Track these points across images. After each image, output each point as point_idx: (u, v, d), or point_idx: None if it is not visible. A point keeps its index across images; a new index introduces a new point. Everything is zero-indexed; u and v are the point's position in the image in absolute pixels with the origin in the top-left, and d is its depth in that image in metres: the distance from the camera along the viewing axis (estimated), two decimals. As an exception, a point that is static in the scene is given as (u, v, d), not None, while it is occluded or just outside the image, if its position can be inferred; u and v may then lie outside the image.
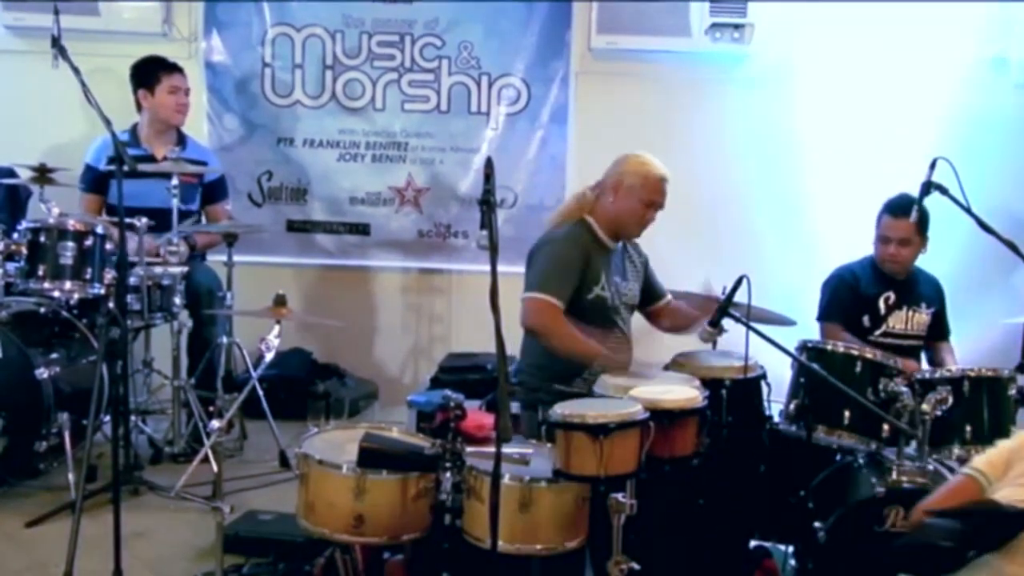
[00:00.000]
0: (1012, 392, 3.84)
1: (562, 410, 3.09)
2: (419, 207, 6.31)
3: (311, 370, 6.07)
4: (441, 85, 6.21)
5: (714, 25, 5.92)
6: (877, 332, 4.61)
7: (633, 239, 4.24)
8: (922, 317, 4.67)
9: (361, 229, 6.33)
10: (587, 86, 6.20)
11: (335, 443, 3.34)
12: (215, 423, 3.64)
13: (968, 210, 3.95)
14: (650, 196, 4.02)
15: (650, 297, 4.37)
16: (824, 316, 4.73)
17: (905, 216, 4.30)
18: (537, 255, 4.01)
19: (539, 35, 6.15)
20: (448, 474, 3.02)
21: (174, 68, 5.36)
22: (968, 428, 3.73)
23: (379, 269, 6.41)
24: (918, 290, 4.68)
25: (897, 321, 4.63)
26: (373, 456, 3.02)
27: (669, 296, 4.42)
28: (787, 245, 6.09)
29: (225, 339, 5.17)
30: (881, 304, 4.62)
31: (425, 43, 6.18)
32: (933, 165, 3.97)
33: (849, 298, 4.65)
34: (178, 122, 5.40)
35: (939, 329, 4.76)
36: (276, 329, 4.38)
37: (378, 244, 6.35)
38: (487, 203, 2.82)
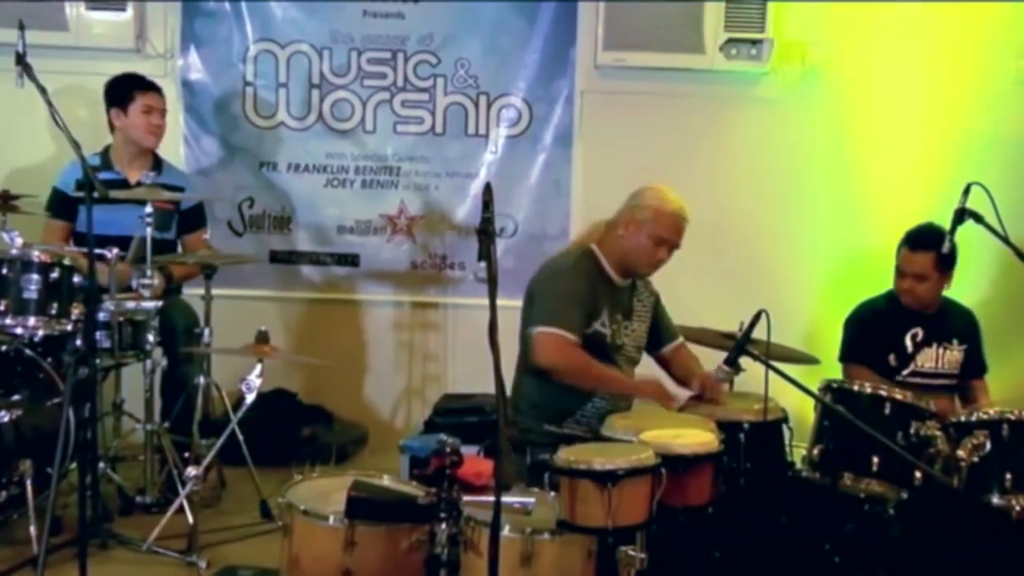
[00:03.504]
0: (1056, 436, 3.84)
1: (567, 456, 3.09)
2: (412, 236, 6.33)
3: (295, 413, 6.05)
4: (436, 105, 6.24)
5: (730, 41, 5.94)
6: (905, 372, 4.61)
7: (643, 277, 4.24)
8: (954, 354, 4.67)
9: (350, 260, 6.34)
10: (593, 106, 6.22)
11: (321, 492, 3.34)
12: (191, 470, 3.65)
13: (1005, 239, 3.97)
14: (661, 232, 4.01)
15: (659, 339, 4.38)
16: (847, 357, 4.73)
17: (924, 250, 4.33)
18: (541, 286, 4.03)
19: (541, 52, 6.19)
20: (443, 525, 3.01)
21: (150, 87, 5.39)
22: (1008, 476, 3.73)
23: (369, 303, 6.41)
24: (949, 325, 4.68)
25: (926, 359, 4.63)
26: (362, 506, 3.02)
27: (681, 339, 4.42)
28: (810, 277, 6.10)
29: (202, 379, 5.14)
30: (908, 341, 4.62)
31: (419, 60, 6.22)
32: (967, 191, 3.99)
33: (873, 336, 4.65)
34: (151, 144, 5.41)
35: (973, 366, 4.76)
36: (258, 368, 4.38)
37: (368, 276, 6.35)
38: (485, 232, 2.84)
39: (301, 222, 6.31)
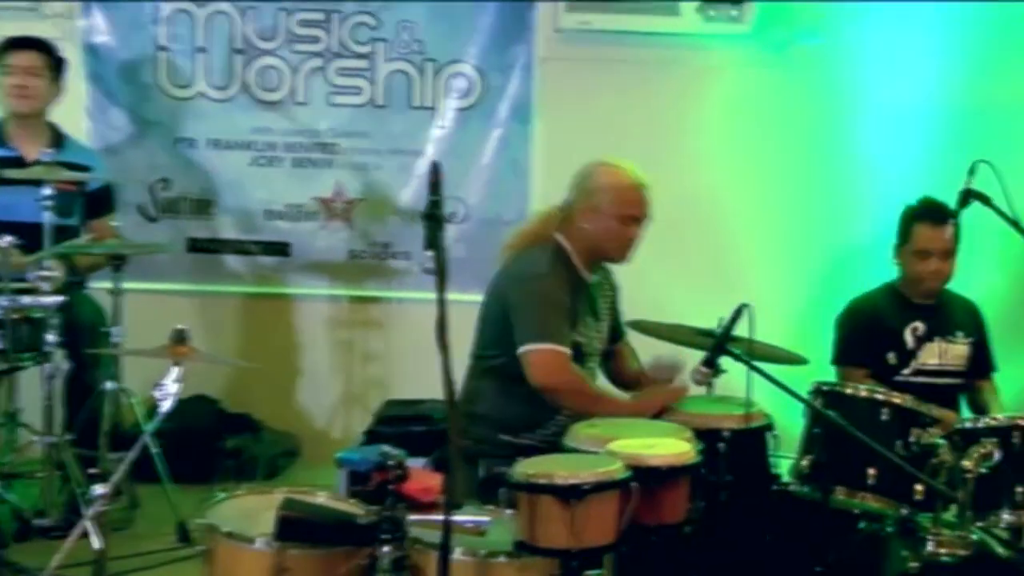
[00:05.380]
0: (1073, 444, 3.88)
1: (526, 469, 3.10)
2: (350, 222, 6.31)
3: (218, 422, 6.03)
4: (376, 74, 6.23)
5: (707, 1, 5.96)
6: (906, 371, 4.66)
7: (621, 263, 4.25)
8: (959, 348, 4.72)
9: (279, 249, 6.32)
10: (555, 75, 6.23)
11: (248, 511, 3.32)
12: (98, 489, 3.61)
13: (1016, 224, 4.00)
14: (627, 210, 4.04)
15: (612, 337, 4.42)
16: (842, 359, 4.76)
17: (946, 223, 4.37)
18: (522, 294, 4.02)
19: (496, 14, 6.19)
20: (387, 548, 3.01)
21: (21, 44, 5.31)
22: (1020, 489, 3.76)
23: (302, 298, 6.40)
24: (951, 316, 4.73)
25: (930, 355, 4.67)
26: (294, 527, 3.01)
27: (625, 340, 4.48)
28: (798, 268, 6.13)
29: (111, 385, 5.12)
30: (908, 336, 4.66)
31: (356, 22, 6.21)
32: (973, 169, 4.03)
33: (870, 334, 4.69)
34: (20, 109, 5.32)
35: (981, 363, 4.81)
36: (175, 372, 4.34)
37: (300, 267, 6.34)
38: (433, 217, 2.84)
39: (223, 206, 6.28)
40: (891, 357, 4.65)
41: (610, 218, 4.04)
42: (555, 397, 3.96)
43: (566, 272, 4.08)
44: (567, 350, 3.95)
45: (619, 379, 4.45)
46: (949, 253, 4.60)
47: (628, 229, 4.07)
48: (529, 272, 4.08)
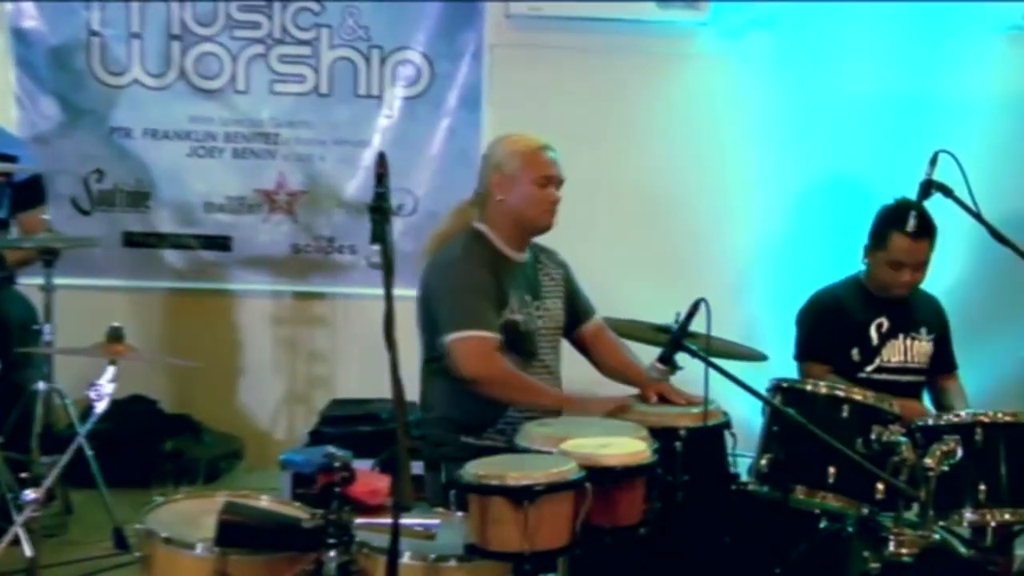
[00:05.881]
0: (1035, 441, 3.92)
1: (476, 469, 3.09)
2: (293, 215, 6.29)
3: (156, 424, 6.01)
4: (320, 61, 6.22)
5: (664, -13, 6.00)
6: (870, 368, 4.67)
7: (547, 229, 4.24)
8: (923, 345, 4.75)
9: (220, 243, 6.29)
10: (505, 63, 6.24)
11: (187, 516, 3.31)
12: (29, 494, 3.58)
13: (978, 216, 4.04)
14: (539, 171, 4.07)
15: (576, 317, 4.40)
16: (805, 355, 4.76)
17: (926, 237, 4.39)
18: (437, 286, 4.02)
19: (444, -1, 6.20)
20: (333, 553, 3.00)
21: None
22: (982, 487, 3.80)
23: (243, 293, 6.37)
24: (915, 312, 4.75)
25: (893, 352, 4.69)
26: (236, 532, 2.99)
27: (598, 318, 4.45)
28: (756, 262, 6.17)
29: (42, 385, 5.08)
30: (873, 333, 4.68)
31: (299, 8, 6.19)
32: (934, 160, 4.06)
33: (834, 330, 4.68)
34: None
35: (943, 360, 4.84)
36: (110, 372, 4.32)
37: (242, 262, 6.31)
38: (380, 210, 2.83)
39: (161, 199, 6.25)
40: (855, 354, 4.66)
41: (525, 183, 4.06)
42: (482, 388, 3.93)
43: (487, 254, 4.08)
44: (493, 335, 3.92)
45: (606, 369, 4.42)
46: (924, 264, 4.60)
47: (545, 192, 4.08)
48: (442, 260, 4.08)
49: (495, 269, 4.04)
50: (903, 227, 4.48)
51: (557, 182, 4.11)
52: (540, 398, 3.98)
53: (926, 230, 4.42)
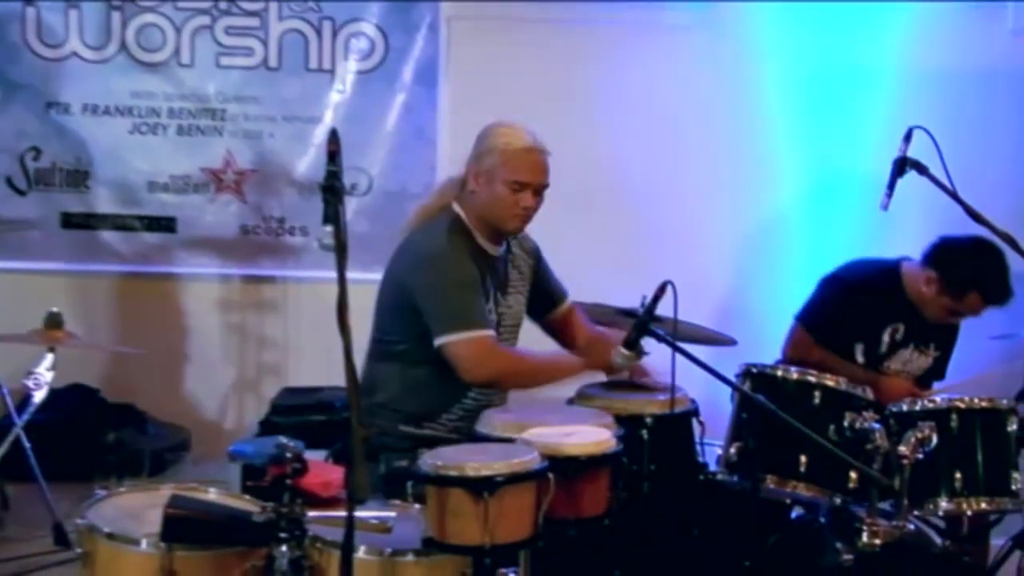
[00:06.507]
0: (1012, 427, 3.95)
1: (434, 460, 3.10)
2: (242, 195, 6.27)
3: (98, 414, 5.98)
4: (269, 33, 6.19)
5: (626, -44, 6.00)
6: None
7: (514, 234, 4.21)
8: (925, 360, 4.74)
9: (164, 224, 6.26)
10: (463, 36, 6.23)
11: (131, 510, 3.30)
12: (-35, 488, 3.56)
13: (953, 194, 4.07)
14: (517, 175, 3.95)
15: (548, 302, 4.39)
16: (805, 318, 4.71)
17: (1001, 306, 4.42)
18: (424, 278, 3.98)
19: (399, -32, 6.19)
20: (284, 547, 3.00)
21: None
22: (958, 475, 3.85)
23: (189, 277, 6.34)
24: (932, 327, 4.71)
25: (896, 362, 4.68)
26: (183, 526, 2.99)
27: (569, 302, 4.45)
28: (724, 243, 6.19)
29: (-23, 374, 5.06)
30: (885, 337, 4.65)
31: (247, -23, 6.17)
32: (908, 136, 4.08)
33: (849, 315, 4.63)
34: None
35: (936, 372, 4.84)
36: (48, 359, 4.31)
37: (187, 244, 6.28)
38: (332, 189, 2.82)
39: (101, 178, 6.21)
40: (858, 351, 4.64)
41: (497, 182, 3.95)
42: (498, 386, 3.95)
43: (467, 244, 4.04)
44: (492, 332, 3.92)
45: (575, 352, 4.38)
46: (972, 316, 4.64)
47: (517, 196, 3.97)
48: (428, 251, 4.00)
49: (477, 262, 4.01)
50: (989, 295, 4.50)
51: (536, 188, 3.99)
52: (559, 373, 3.98)
53: (1008, 300, 4.44)
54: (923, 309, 4.62)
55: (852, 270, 4.76)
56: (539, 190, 3.98)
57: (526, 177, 3.94)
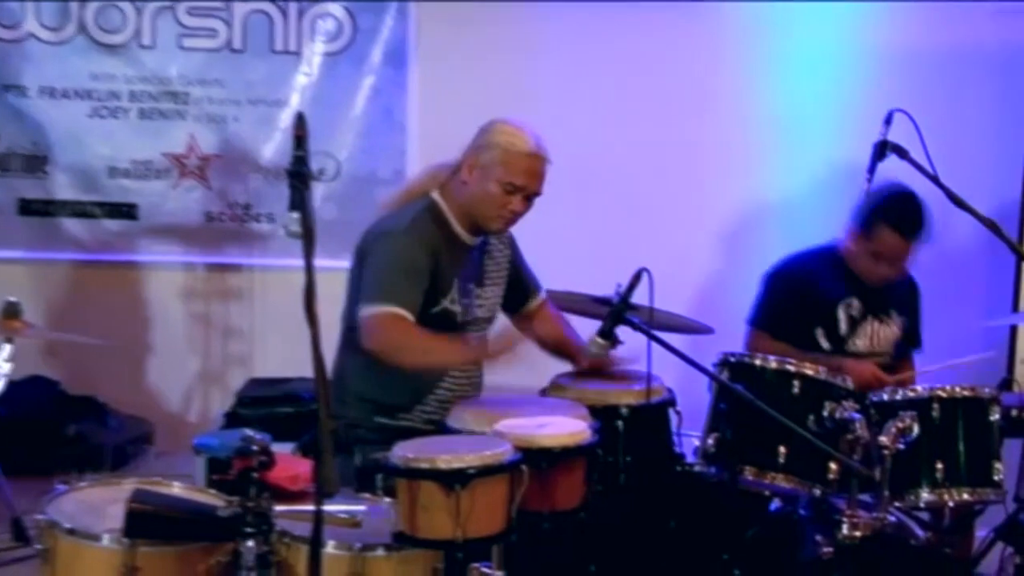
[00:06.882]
0: (995, 417, 3.98)
1: (405, 452, 3.10)
2: (206, 181, 6.25)
3: (58, 406, 5.96)
4: (233, 14, 6.17)
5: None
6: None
7: (495, 233, 4.22)
8: (891, 330, 4.75)
9: (125, 211, 6.24)
10: (433, 16, 6.21)
11: (93, 505, 3.29)
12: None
13: (935, 179, 4.08)
14: (512, 177, 3.96)
15: (522, 296, 4.40)
16: (758, 321, 4.76)
17: (916, 238, 4.42)
18: (372, 252, 3.99)
19: (367, -53, 6.18)
20: (251, 543, 2.99)
21: None
22: (940, 465, 3.87)
23: (152, 266, 6.33)
24: (888, 293, 4.73)
25: (860, 338, 4.70)
26: (146, 521, 2.98)
27: (543, 295, 4.45)
28: (701, 229, 6.19)
29: (-67, 366, 5.03)
30: (841, 315, 4.67)
31: (210, -45, 6.15)
32: (889, 119, 4.09)
33: (800, 303, 4.67)
34: None
35: (908, 342, 4.86)
36: (6, 350, 4.29)
37: (150, 231, 6.26)
38: (299, 175, 2.82)
39: (60, 163, 6.18)
40: (819, 335, 4.66)
41: (492, 180, 3.97)
42: (389, 359, 3.92)
43: (436, 231, 4.04)
44: (409, 315, 3.89)
45: (542, 345, 4.38)
46: (907, 261, 4.61)
47: (508, 199, 3.99)
48: (383, 229, 4.03)
49: (440, 251, 4.00)
50: (896, 224, 4.52)
51: (529, 194, 4.01)
52: (440, 355, 3.97)
53: (918, 229, 4.45)
54: (862, 274, 4.66)
55: (790, 260, 4.82)
56: (531, 196, 4.00)
57: (522, 181, 3.95)
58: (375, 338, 3.85)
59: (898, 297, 4.79)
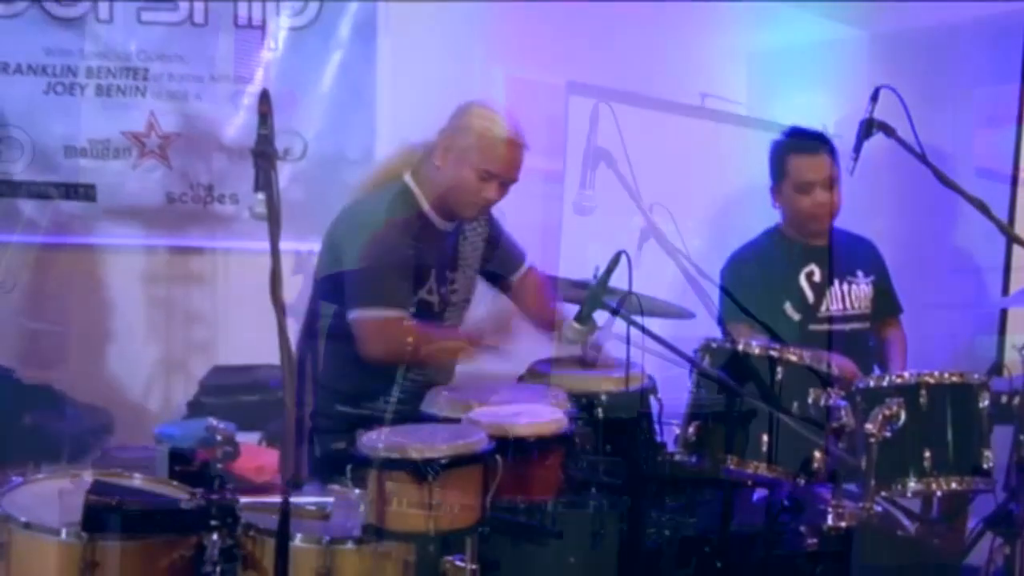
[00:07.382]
0: (984, 403, 4.00)
1: (375, 442, 3.10)
2: (167, 160, 6.23)
3: (12, 395, 5.93)
4: (195, -14, 6.16)
5: None
6: (813, 325, 4.73)
7: (467, 220, 4.22)
8: (862, 288, 4.84)
9: (83, 192, 6.21)
10: (404, -13, 6.22)
11: (50, 498, 3.29)
12: None
13: (923, 158, 4.10)
14: (488, 164, 3.98)
15: (506, 269, 4.42)
16: (730, 316, 4.80)
17: (821, 151, 4.50)
18: (351, 244, 3.98)
19: (334, -86, 6.16)
20: (215, 536, 3.00)
21: None
22: (927, 454, 3.89)
23: (111, 249, 6.30)
24: (847, 256, 4.83)
25: (831, 300, 4.77)
26: (105, 514, 2.98)
27: (527, 265, 4.46)
28: (688, 212, 6.20)
29: None
30: (804, 283, 4.75)
31: (170, -76, 6.12)
32: (875, 96, 4.12)
33: (762, 283, 4.76)
34: None
35: (886, 303, 4.93)
36: (-41, 337, 4.28)
37: (109, 213, 6.24)
38: (264, 154, 2.82)
39: (14, 142, 6.15)
40: (789, 309, 4.73)
41: (467, 166, 3.98)
42: (393, 363, 3.95)
43: (411, 219, 4.04)
44: (403, 314, 3.93)
45: (529, 317, 4.40)
46: (832, 182, 4.69)
47: (482, 185, 4.01)
48: (365, 221, 4.02)
49: (419, 239, 4.01)
50: (796, 147, 4.73)
51: (504, 181, 4.04)
52: (445, 351, 4.00)
53: (819, 143, 4.53)
54: (807, 230, 4.82)
55: (739, 250, 4.99)
56: (507, 183, 4.00)
57: (498, 168, 3.98)
58: (374, 345, 3.88)
59: (861, 257, 4.92)
